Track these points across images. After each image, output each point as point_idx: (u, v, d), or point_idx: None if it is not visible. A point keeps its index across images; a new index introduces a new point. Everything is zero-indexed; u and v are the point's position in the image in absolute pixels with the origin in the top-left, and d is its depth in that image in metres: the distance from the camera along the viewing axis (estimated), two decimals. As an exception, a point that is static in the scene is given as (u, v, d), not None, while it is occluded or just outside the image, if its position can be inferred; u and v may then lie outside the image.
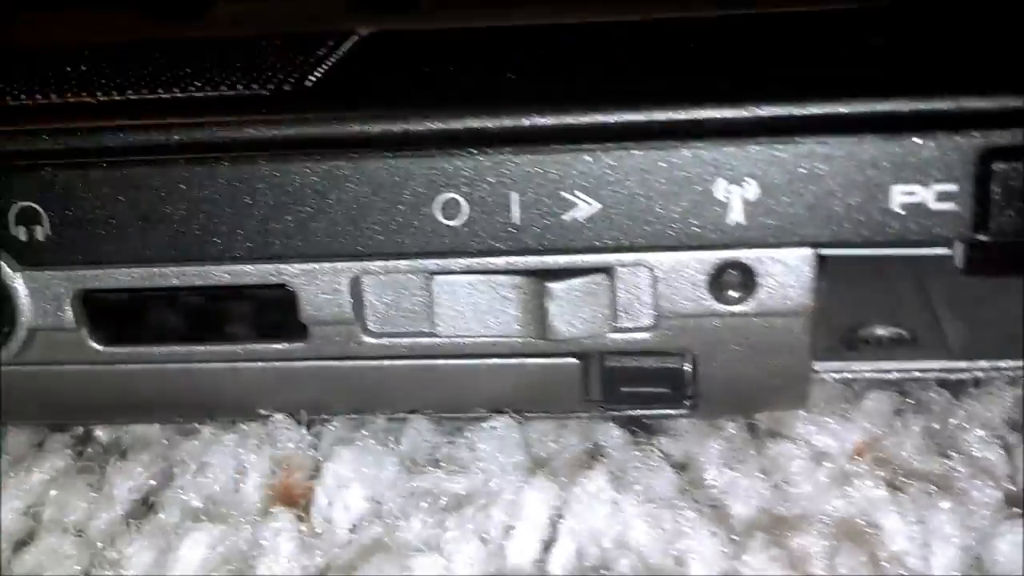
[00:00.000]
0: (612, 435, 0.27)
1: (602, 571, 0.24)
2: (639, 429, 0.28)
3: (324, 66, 0.27)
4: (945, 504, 0.25)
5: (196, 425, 0.28)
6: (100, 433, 0.30)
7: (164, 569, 0.24)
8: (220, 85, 0.26)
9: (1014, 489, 0.26)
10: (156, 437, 0.29)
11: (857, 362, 0.28)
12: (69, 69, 0.27)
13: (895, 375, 0.28)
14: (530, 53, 0.27)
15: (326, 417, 0.28)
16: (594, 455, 0.27)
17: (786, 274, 0.24)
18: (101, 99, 0.25)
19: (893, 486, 0.25)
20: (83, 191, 0.24)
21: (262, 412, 0.28)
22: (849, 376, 0.28)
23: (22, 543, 0.26)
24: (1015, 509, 0.24)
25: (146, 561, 0.24)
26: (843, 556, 0.23)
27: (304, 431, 0.28)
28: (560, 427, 0.28)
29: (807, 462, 0.26)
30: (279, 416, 0.28)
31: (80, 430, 0.30)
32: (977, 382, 0.28)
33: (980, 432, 0.27)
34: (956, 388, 0.28)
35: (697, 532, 0.24)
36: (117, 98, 0.25)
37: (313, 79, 0.26)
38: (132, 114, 0.25)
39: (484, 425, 0.27)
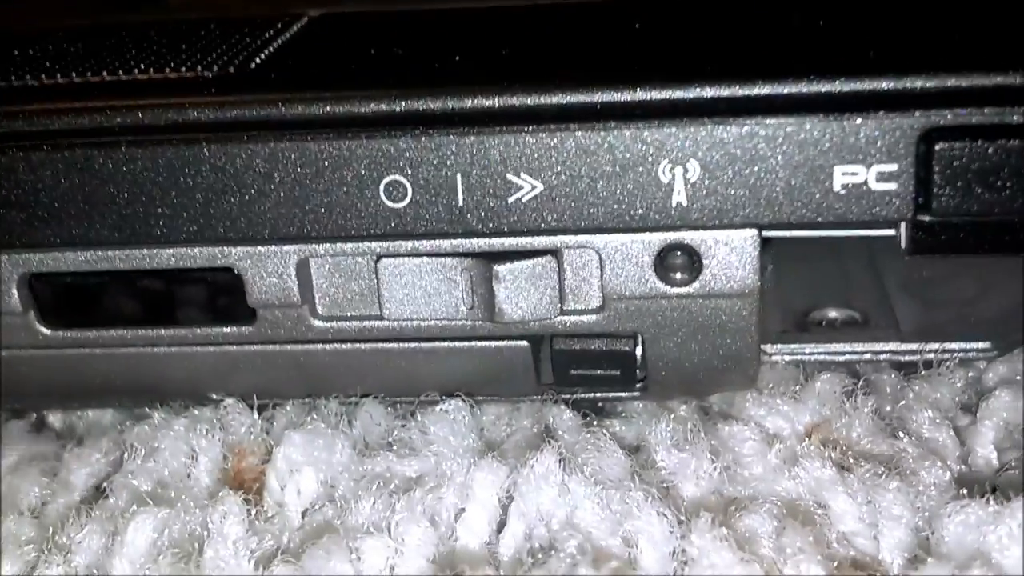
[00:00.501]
0: (564, 418, 0.27)
1: (551, 552, 0.24)
2: (591, 412, 0.28)
3: (270, 48, 0.26)
4: (894, 485, 0.24)
5: (147, 410, 0.28)
6: (53, 419, 0.30)
7: (112, 554, 0.23)
8: (165, 67, 0.25)
9: (963, 470, 0.26)
10: (110, 423, 0.29)
11: (809, 344, 0.28)
12: (12, 52, 0.27)
13: (847, 357, 0.28)
14: (475, 35, 0.26)
15: (278, 401, 0.28)
16: (545, 438, 0.27)
17: (730, 255, 0.23)
18: (45, 81, 0.25)
19: (842, 467, 0.25)
20: (26, 173, 0.24)
21: (213, 397, 0.27)
22: (801, 358, 0.28)
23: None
24: (963, 490, 0.24)
25: (94, 546, 0.24)
26: (790, 536, 0.23)
27: (256, 416, 0.27)
28: (512, 411, 0.28)
29: (758, 444, 0.26)
30: (230, 401, 0.27)
31: (33, 416, 0.29)
32: (928, 364, 0.28)
33: (930, 413, 0.27)
34: (906, 370, 0.28)
35: (645, 513, 0.24)
36: (61, 80, 0.25)
37: (258, 61, 0.25)
38: (75, 96, 0.24)
39: (436, 409, 0.27)
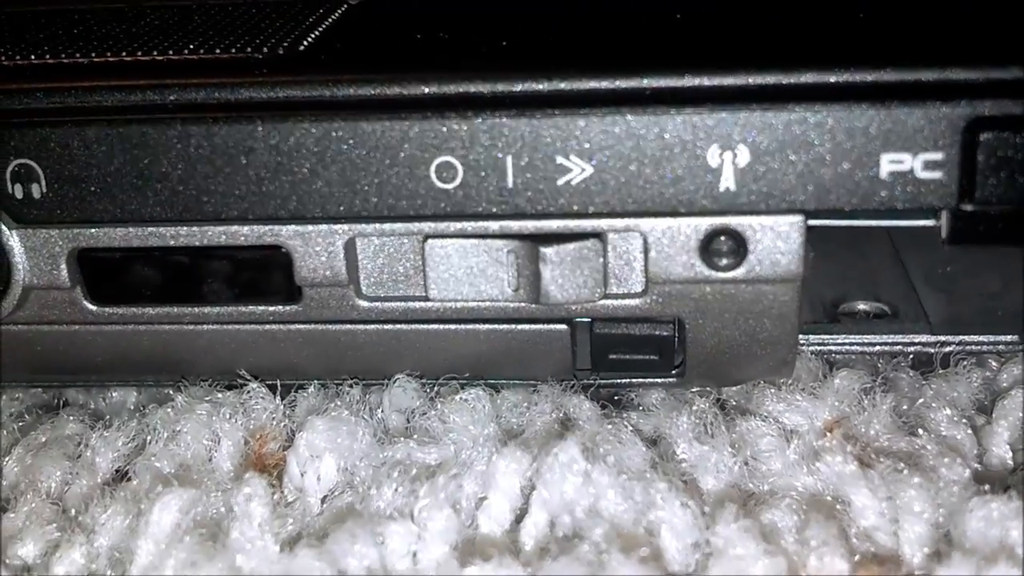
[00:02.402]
0: (584, 408, 0.26)
1: (575, 540, 0.23)
2: (609, 403, 0.27)
3: (316, 31, 0.25)
4: (915, 480, 0.24)
5: (170, 393, 0.26)
6: (75, 399, 0.28)
7: (136, 534, 0.22)
8: (215, 48, 0.24)
9: (979, 469, 0.25)
10: (134, 404, 0.27)
11: (838, 336, 0.27)
12: (68, 31, 0.26)
13: (876, 349, 0.27)
14: (522, 21, 0.26)
15: (302, 385, 0.27)
16: (566, 427, 0.26)
17: (776, 241, 0.23)
18: (98, 60, 0.24)
19: (862, 463, 0.24)
20: (80, 149, 0.23)
21: (238, 380, 0.26)
22: (830, 349, 0.27)
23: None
24: (984, 487, 0.23)
25: (118, 527, 0.23)
26: (814, 529, 0.22)
27: (278, 400, 0.26)
28: (531, 400, 0.27)
29: (776, 439, 0.25)
30: (253, 385, 0.26)
31: (54, 399, 0.28)
32: (945, 362, 0.27)
33: (948, 412, 0.26)
34: (924, 368, 0.28)
35: (669, 504, 0.23)
36: (113, 59, 0.24)
37: (306, 44, 0.24)
38: (129, 74, 0.23)
39: (456, 397, 0.26)
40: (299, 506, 0.24)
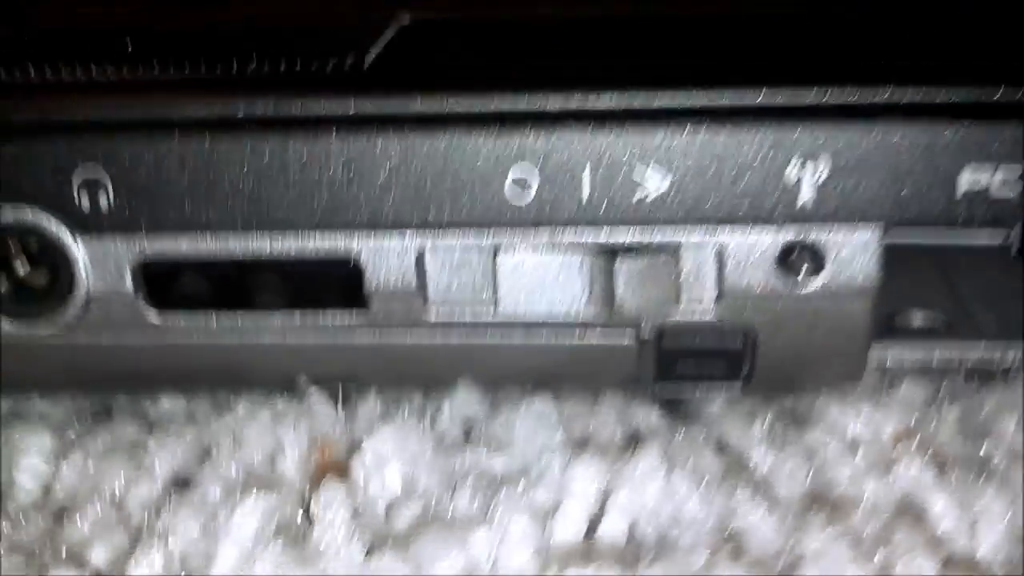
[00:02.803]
0: (652, 417, 0.26)
1: (657, 548, 0.22)
2: (673, 412, 0.26)
3: (376, 48, 0.25)
4: (990, 488, 0.24)
5: (222, 399, 0.26)
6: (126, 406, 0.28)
7: (216, 540, 0.22)
8: (278, 63, 0.24)
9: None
10: (191, 412, 0.27)
11: (901, 348, 0.27)
12: (137, 44, 0.25)
13: (936, 359, 0.27)
14: (585, 35, 0.25)
15: (362, 393, 0.26)
16: (634, 436, 0.26)
17: (854, 253, 0.23)
18: (171, 74, 0.24)
19: (935, 470, 0.24)
20: (151, 160, 0.22)
21: (298, 388, 0.26)
22: (890, 361, 0.27)
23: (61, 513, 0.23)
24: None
25: (192, 533, 0.22)
26: (902, 534, 0.22)
27: (339, 408, 0.26)
28: (593, 408, 0.27)
29: (843, 447, 0.25)
30: (315, 392, 0.26)
31: (107, 405, 0.28)
32: (1006, 372, 0.27)
33: (1015, 420, 0.26)
34: (981, 378, 0.28)
35: (753, 511, 0.23)
36: (184, 74, 0.24)
37: (370, 60, 0.24)
38: (200, 87, 0.23)
39: (522, 404, 0.26)
40: (367, 513, 0.24)
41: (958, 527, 0.23)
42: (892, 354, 0.27)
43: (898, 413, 0.26)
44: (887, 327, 0.28)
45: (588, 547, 0.23)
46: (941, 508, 0.23)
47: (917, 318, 0.28)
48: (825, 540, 0.22)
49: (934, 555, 0.22)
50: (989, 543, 0.23)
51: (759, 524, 0.22)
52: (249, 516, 0.22)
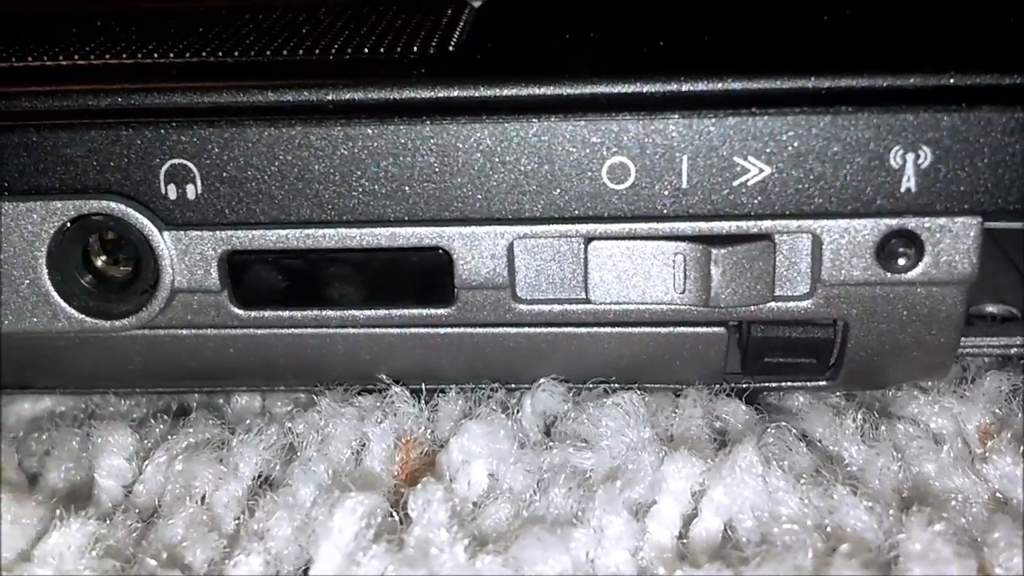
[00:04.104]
0: (739, 413, 0.25)
1: (762, 545, 0.22)
2: (759, 407, 0.26)
3: (456, 32, 0.25)
4: (1085, 482, 0.23)
5: (315, 397, 0.26)
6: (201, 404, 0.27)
7: (316, 541, 0.21)
8: (362, 48, 0.23)
9: None
10: (258, 409, 0.26)
11: (975, 338, 0.27)
12: (219, 29, 0.25)
13: (1014, 351, 0.27)
14: (669, 19, 0.25)
15: (442, 389, 0.26)
16: (723, 432, 0.25)
17: (953, 243, 0.22)
18: (255, 58, 0.23)
19: (1024, 465, 0.24)
20: (239, 150, 0.22)
21: (379, 384, 0.25)
22: (967, 352, 0.27)
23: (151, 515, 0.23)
24: None
25: (286, 533, 0.22)
26: (1001, 530, 0.22)
27: (422, 405, 0.26)
28: (677, 404, 0.26)
29: (929, 442, 0.25)
30: (397, 388, 0.25)
31: (181, 403, 0.27)
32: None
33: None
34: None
35: (854, 507, 0.22)
36: (269, 58, 0.23)
37: (454, 45, 0.24)
38: (287, 74, 0.23)
39: (608, 400, 0.25)
40: (462, 512, 0.23)
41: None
42: (968, 345, 0.27)
43: (985, 406, 0.26)
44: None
45: (686, 547, 0.22)
46: (1036, 504, 0.23)
47: (991, 308, 0.28)
48: (930, 536, 0.21)
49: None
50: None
51: (859, 522, 0.22)
52: (348, 517, 0.21)
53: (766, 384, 0.26)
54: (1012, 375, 0.26)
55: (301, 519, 0.22)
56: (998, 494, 0.23)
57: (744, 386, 0.26)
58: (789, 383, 0.26)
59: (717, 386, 0.26)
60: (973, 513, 0.23)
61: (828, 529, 0.22)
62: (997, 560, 0.21)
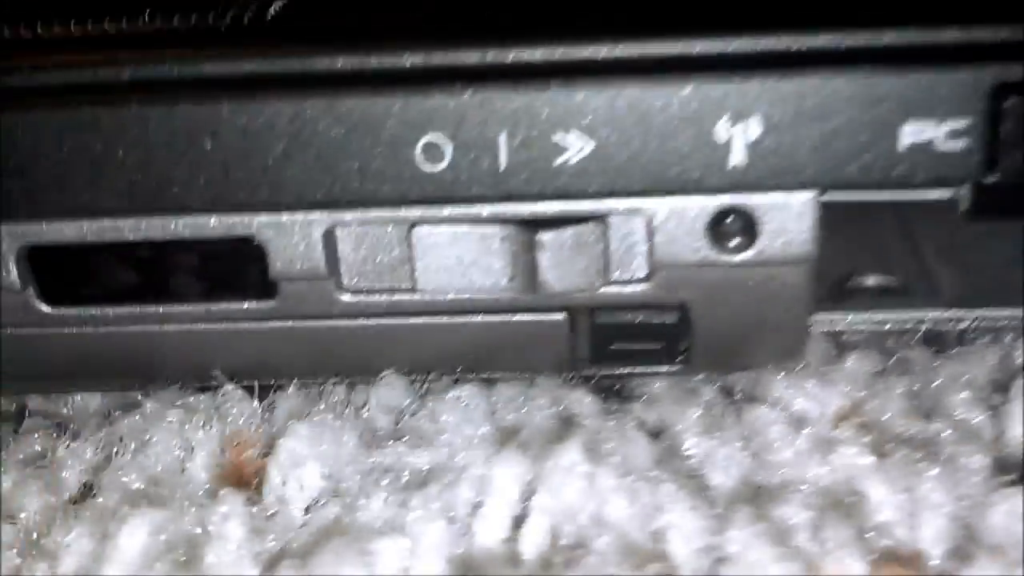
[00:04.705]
0: (585, 403, 0.24)
1: (578, 549, 0.21)
2: (611, 394, 0.25)
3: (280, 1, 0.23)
4: (933, 471, 0.22)
5: (139, 397, 0.24)
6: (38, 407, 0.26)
7: (102, 560, 0.20)
8: (171, 16, 0.22)
9: (997, 453, 0.23)
10: (98, 409, 0.25)
11: (847, 313, 0.25)
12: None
13: (888, 326, 0.25)
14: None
15: (281, 386, 0.25)
16: (567, 424, 0.24)
17: (789, 220, 0.21)
18: (41, 33, 0.22)
19: (877, 453, 0.23)
20: (24, 134, 0.20)
21: (212, 383, 0.24)
22: (839, 328, 0.25)
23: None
24: (1006, 476, 0.22)
25: (84, 551, 0.21)
26: (831, 529, 0.21)
27: (256, 403, 0.25)
28: (528, 394, 0.25)
29: (786, 428, 0.23)
30: (229, 387, 0.24)
31: (13, 405, 0.26)
32: (961, 339, 0.25)
33: (965, 394, 0.24)
34: (938, 346, 0.26)
35: (679, 507, 0.21)
36: (58, 32, 0.22)
37: (274, 12, 0.22)
38: (77, 48, 0.21)
39: (448, 395, 0.24)
40: (281, 519, 0.22)
41: (897, 517, 0.21)
42: (840, 321, 0.26)
43: (844, 388, 0.24)
44: (840, 291, 0.27)
45: (500, 554, 0.21)
46: (879, 495, 0.22)
47: (870, 281, 0.27)
48: (751, 536, 0.20)
49: (868, 549, 0.20)
50: (929, 533, 0.21)
51: (683, 521, 0.21)
52: (135, 534, 0.20)
53: (617, 372, 0.24)
54: (877, 354, 0.25)
55: (101, 536, 0.21)
56: (839, 486, 0.22)
57: (590, 374, 0.24)
58: (641, 370, 0.24)
59: (569, 374, 0.25)
60: (819, 505, 0.22)
61: (652, 530, 0.21)
62: (825, 561, 0.20)
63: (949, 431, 0.23)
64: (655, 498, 0.21)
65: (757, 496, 0.22)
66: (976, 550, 0.20)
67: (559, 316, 0.23)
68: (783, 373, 0.25)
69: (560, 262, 0.21)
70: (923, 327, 0.26)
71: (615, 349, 0.23)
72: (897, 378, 0.24)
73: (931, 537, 0.21)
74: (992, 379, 0.25)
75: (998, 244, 0.25)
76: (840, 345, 0.26)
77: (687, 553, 0.21)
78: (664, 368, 0.24)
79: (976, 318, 0.25)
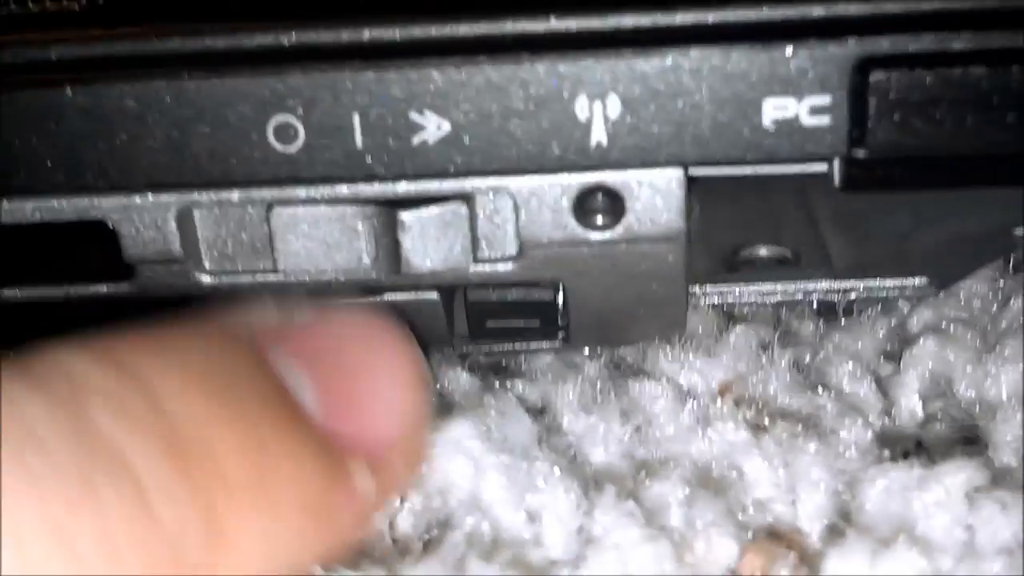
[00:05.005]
0: (460, 380, 0.24)
1: (448, 530, 0.21)
2: (493, 372, 0.25)
3: None
4: (812, 446, 0.22)
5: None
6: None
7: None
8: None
9: (886, 423, 0.23)
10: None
11: (737, 284, 0.25)
12: None
13: (777, 297, 0.25)
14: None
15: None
16: (448, 402, 0.24)
17: (655, 197, 0.21)
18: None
19: (758, 427, 0.22)
20: None
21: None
22: (730, 299, 0.25)
23: None
24: (886, 451, 0.22)
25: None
26: (701, 507, 0.21)
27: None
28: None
29: (670, 403, 0.23)
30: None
31: None
32: (850, 309, 0.25)
33: (850, 366, 0.24)
34: (827, 316, 0.26)
35: (551, 487, 0.21)
36: None
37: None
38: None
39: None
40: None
41: (774, 493, 0.21)
42: (729, 292, 0.25)
43: (729, 361, 0.24)
44: (730, 263, 0.26)
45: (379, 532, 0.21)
46: (757, 471, 0.21)
47: (761, 252, 0.26)
48: (616, 518, 0.20)
49: (740, 525, 0.20)
50: (807, 510, 0.21)
51: (556, 502, 0.20)
52: None
53: (497, 349, 0.24)
54: (763, 326, 0.25)
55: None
56: (718, 462, 0.22)
57: (467, 351, 0.24)
58: (522, 346, 0.24)
59: (448, 353, 0.24)
60: (692, 483, 0.21)
61: (525, 508, 0.21)
62: (695, 541, 0.20)
63: (832, 405, 0.23)
64: (529, 477, 0.21)
65: (635, 471, 0.22)
66: (847, 529, 0.20)
67: (432, 295, 0.22)
68: (668, 346, 0.24)
69: (423, 241, 0.21)
70: (812, 298, 0.25)
71: (492, 327, 0.23)
72: (782, 351, 0.24)
73: (808, 513, 0.21)
74: (880, 350, 0.25)
75: (882, 214, 0.24)
76: (730, 318, 0.26)
77: (558, 535, 0.20)
78: (545, 344, 0.24)
79: (864, 288, 0.25)
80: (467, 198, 0.21)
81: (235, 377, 0.17)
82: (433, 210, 0.21)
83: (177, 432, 0.16)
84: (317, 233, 0.21)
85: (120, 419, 0.15)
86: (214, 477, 0.16)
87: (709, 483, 0.21)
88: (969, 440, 0.23)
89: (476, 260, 0.22)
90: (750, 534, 0.20)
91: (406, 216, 0.21)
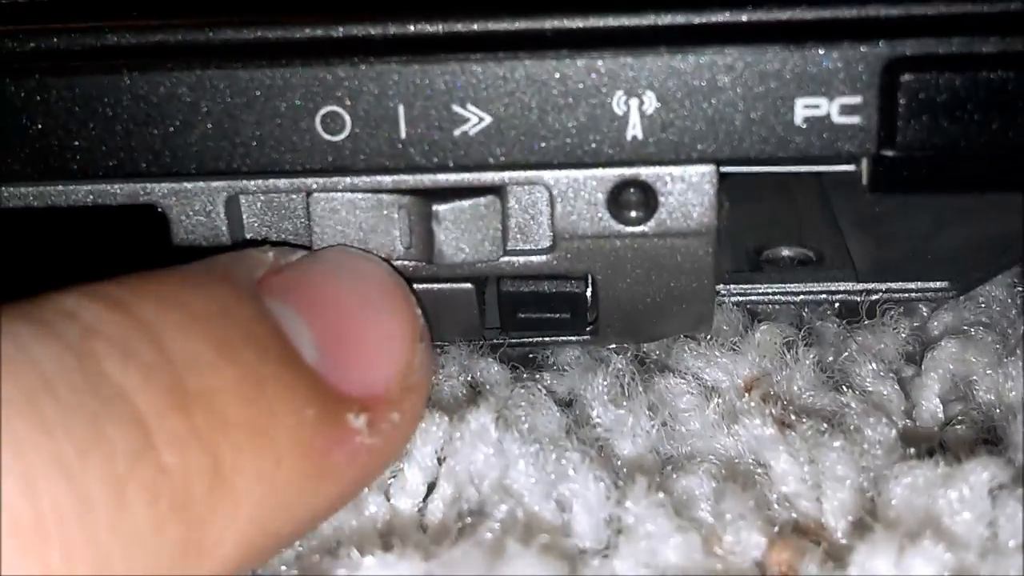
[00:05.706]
0: (492, 371, 0.24)
1: (480, 516, 0.21)
2: (521, 364, 0.25)
3: None
4: (837, 443, 0.22)
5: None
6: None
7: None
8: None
9: (908, 424, 0.24)
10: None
11: (761, 284, 0.25)
12: None
13: (800, 298, 0.25)
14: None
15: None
16: (476, 392, 0.24)
17: (687, 192, 0.21)
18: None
19: (784, 423, 0.23)
20: None
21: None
22: (753, 299, 0.25)
23: None
24: (911, 449, 0.22)
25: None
26: (730, 500, 0.21)
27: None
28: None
29: (696, 398, 0.24)
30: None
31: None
32: (871, 312, 0.26)
33: (873, 366, 0.24)
34: (851, 317, 0.26)
35: (581, 476, 0.21)
36: None
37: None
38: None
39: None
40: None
41: (801, 489, 0.21)
42: (753, 292, 0.26)
43: (754, 358, 0.24)
44: (754, 262, 0.27)
45: (409, 519, 0.21)
46: (783, 466, 0.22)
47: (784, 252, 0.27)
48: (647, 508, 0.20)
49: (769, 521, 0.21)
50: (833, 505, 0.21)
51: (586, 491, 0.21)
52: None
53: (528, 340, 0.24)
54: (788, 325, 0.25)
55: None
56: (744, 457, 0.22)
57: (499, 342, 0.24)
58: (551, 338, 0.24)
59: (479, 343, 0.25)
60: (721, 477, 0.22)
61: (556, 498, 0.21)
62: (724, 534, 0.20)
63: (856, 403, 0.23)
64: (560, 467, 0.21)
65: (661, 465, 0.22)
66: (874, 524, 0.20)
67: (466, 285, 0.23)
68: (694, 343, 0.25)
69: (457, 233, 0.21)
70: (836, 299, 0.26)
71: (523, 318, 0.23)
72: (807, 349, 0.24)
73: (834, 509, 0.21)
74: (903, 351, 0.25)
75: (908, 217, 0.25)
76: (753, 315, 0.26)
77: (588, 524, 0.21)
78: (574, 337, 0.24)
79: (887, 290, 0.25)
80: (501, 190, 0.21)
81: (235, 322, 0.18)
82: (467, 202, 0.21)
83: (180, 376, 0.16)
84: (353, 221, 0.22)
85: (127, 364, 0.16)
86: (216, 420, 0.16)
87: (736, 478, 0.21)
88: (989, 441, 0.23)
89: (509, 252, 0.22)
90: (777, 528, 0.21)
91: (440, 208, 0.21)
